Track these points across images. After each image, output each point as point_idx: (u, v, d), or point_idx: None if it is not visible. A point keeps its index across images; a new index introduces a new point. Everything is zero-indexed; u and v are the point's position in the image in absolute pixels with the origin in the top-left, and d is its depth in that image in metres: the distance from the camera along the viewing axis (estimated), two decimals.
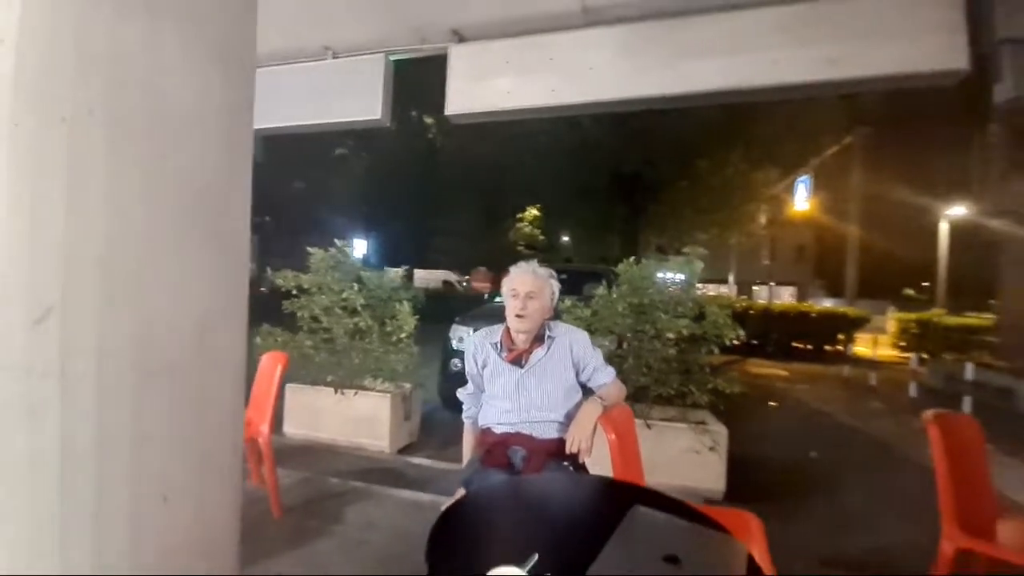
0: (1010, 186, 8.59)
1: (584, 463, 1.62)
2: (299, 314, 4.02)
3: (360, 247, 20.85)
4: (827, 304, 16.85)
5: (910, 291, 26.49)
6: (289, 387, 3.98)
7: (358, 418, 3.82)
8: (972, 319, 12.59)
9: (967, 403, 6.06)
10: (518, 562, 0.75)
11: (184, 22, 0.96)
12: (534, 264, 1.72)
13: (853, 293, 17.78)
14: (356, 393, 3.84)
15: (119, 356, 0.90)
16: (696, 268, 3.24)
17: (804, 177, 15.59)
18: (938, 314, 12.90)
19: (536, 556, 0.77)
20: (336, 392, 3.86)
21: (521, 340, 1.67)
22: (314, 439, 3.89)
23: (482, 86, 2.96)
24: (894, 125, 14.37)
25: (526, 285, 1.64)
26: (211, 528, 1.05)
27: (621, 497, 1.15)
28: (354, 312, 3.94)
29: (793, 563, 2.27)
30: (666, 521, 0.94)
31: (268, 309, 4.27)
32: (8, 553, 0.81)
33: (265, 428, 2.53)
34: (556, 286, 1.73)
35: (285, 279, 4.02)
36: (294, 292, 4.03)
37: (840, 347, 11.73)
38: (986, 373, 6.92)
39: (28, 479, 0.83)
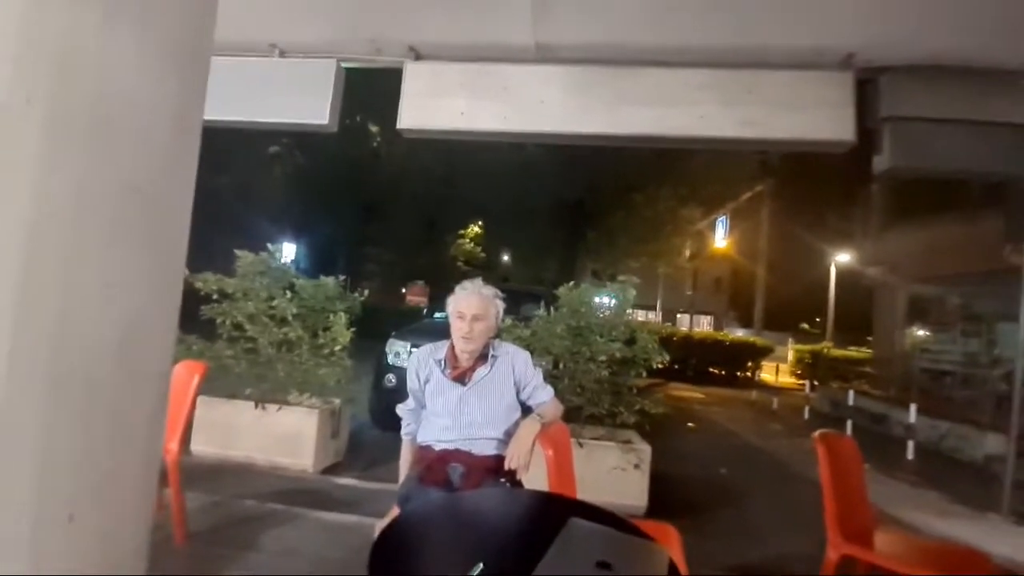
0: (884, 240, 10.09)
1: (520, 480, 1.66)
2: (219, 321, 3.72)
3: (289, 252, 19.67)
4: (739, 333, 18.50)
5: (805, 325, 29.76)
6: (200, 400, 3.64)
7: (280, 435, 3.57)
8: (854, 352, 14.41)
9: (849, 426, 6.90)
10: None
11: (141, 16, 0.92)
12: (479, 284, 1.74)
13: (760, 324, 19.67)
14: (279, 408, 3.59)
15: (31, 361, 0.81)
16: (630, 295, 3.46)
17: (723, 217, 17.19)
18: (827, 347, 14.63)
19: (481, 565, 0.80)
20: (257, 407, 3.59)
21: (465, 359, 1.69)
22: (227, 458, 3.57)
23: (436, 105, 3.01)
24: (795, 178, 16.36)
25: (472, 307, 1.66)
26: (118, 551, 0.96)
27: (558, 510, 1.21)
28: (283, 321, 3.72)
29: (703, 569, 2.45)
30: (599, 531, 1.00)
31: (184, 314, 3.91)
32: None
33: (174, 445, 2.30)
34: (501, 306, 1.77)
35: (206, 282, 3.71)
36: (215, 297, 3.73)
37: (749, 373, 12.88)
38: (864, 400, 7.94)
39: None
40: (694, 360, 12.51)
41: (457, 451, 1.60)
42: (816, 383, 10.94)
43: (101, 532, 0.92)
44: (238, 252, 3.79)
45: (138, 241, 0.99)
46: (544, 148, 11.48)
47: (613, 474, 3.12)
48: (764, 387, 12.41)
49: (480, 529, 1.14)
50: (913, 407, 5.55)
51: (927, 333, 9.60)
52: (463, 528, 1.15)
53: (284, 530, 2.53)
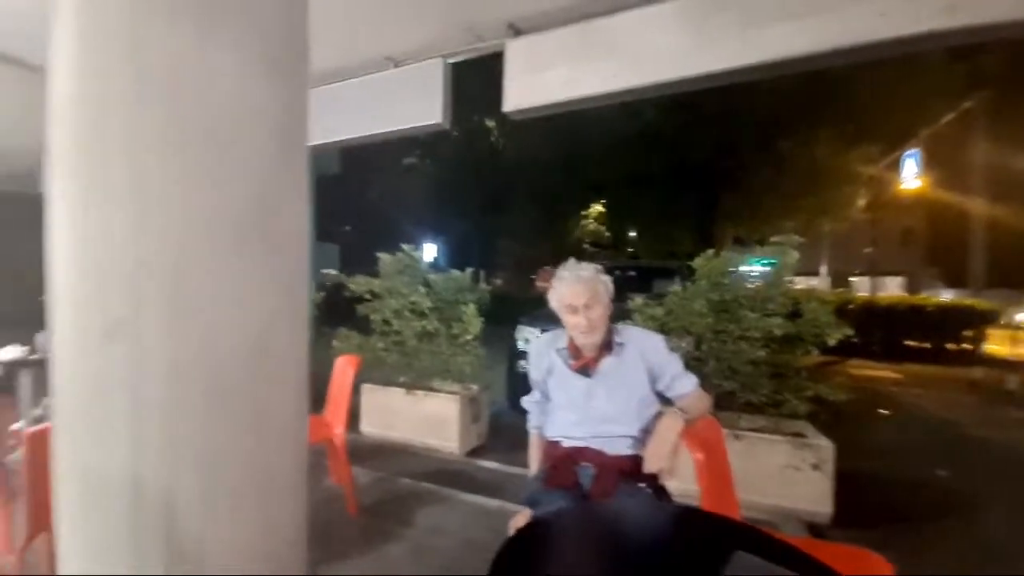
0: None
1: (664, 485, 1.45)
2: (372, 317, 4.17)
3: (430, 251, 21.66)
4: (947, 296, 14.62)
5: None
6: (365, 387, 4.14)
7: (429, 419, 3.88)
8: None
9: None
10: None
11: (234, 32, 0.96)
12: (576, 267, 1.55)
13: (980, 282, 15.30)
14: (426, 394, 3.89)
15: (188, 372, 0.90)
16: (792, 258, 2.87)
17: (913, 151, 13.66)
18: None
19: None
20: (407, 393, 3.95)
21: (588, 348, 1.53)
22: (389, 439, 4.00)
23: (539, 78, 2.85)
24: (1021, 87, 12.11)
25: (580, 296, 1.48)
26: (279, 544, 1.04)
27: (713, 534, 0.98)
28: (422, 315, 4.01)
29: None
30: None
31: (347, 314, 4.48)
32: (82, 564, 0.83)
33: (340, 429, 2.61)
34: (607, 280, 1.56)
35: (358, 284, 4.19)
36: (367, 296, 4.19)
37: (967, 345, 10.10)
38: None
39: (97, 497, 0.85)
40: (881, 332, 10.24)
41: (587, 449, 1.45)
42: None
43: (262, 526, 0.99)
44: (379, 254, 4.18)
45: (264, 249, 1.04)
46: (662, 111, 10.43)
47: (784, 474, 2.65)
48: (991, 361, 9.58)
49: (619, 549, 0.98)
50: None
51: None
52: (600, 545, 1.01)
53: (436, 509, 2.71)
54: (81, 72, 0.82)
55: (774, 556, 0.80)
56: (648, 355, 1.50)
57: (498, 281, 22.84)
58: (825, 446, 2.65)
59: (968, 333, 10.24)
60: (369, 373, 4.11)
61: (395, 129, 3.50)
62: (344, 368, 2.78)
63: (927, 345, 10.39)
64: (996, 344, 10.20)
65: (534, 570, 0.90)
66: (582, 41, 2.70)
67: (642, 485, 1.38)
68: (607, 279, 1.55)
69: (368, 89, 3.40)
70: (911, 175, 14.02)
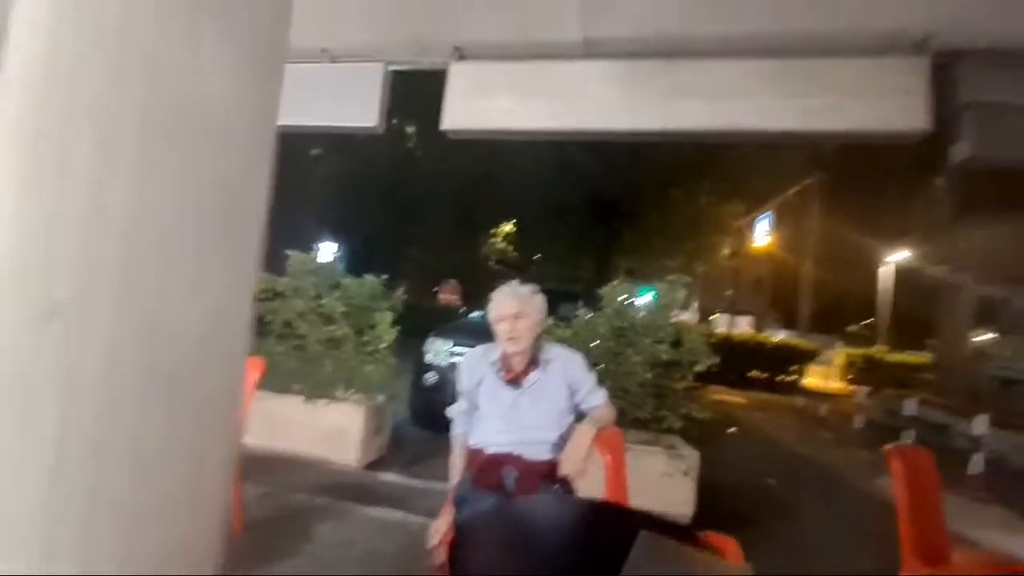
0: (952, 237, 9.38)
1: (572, 486, 1.63)
2: (268, 318, 3.87)
3: (329, 251, 20.31)
4: (782, 336, 17.69)
5: (854, 327, 28.19)
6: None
7: (326, 430, 3.68)
8: (911, 357, 13.52)
9: (907, 437, 6.47)
10: None
11: (221, 21, 0.95)
12: (515, 284, 1.73)
13: (805, 326, 18.79)
14: (327, 403, 3.70)
15: (125, 364, 0.85)
16: (679, 295, 3.35)
17: (767, 213, 16.49)
18: (881, 351, 13.79)
19: None
20: (305, 401, 3.71)
21: (517, 362, 1.68)
22: (275, 451, 3.70)
23: (481, 104, 3.01)
24: (848, 172, 15.47)
25: (512, 307, 1.64)
26: (203, 546, 0.99)
27: (621, 521, 1.17)
28: (330, 319, 3.83)
29: None
30: (676, 548, 0.96)
31: None
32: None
33: None
34: (542, 301, 1.75)
35: (259, 281, 3.87)
36: (265, 296, 3.88)
37: (793, 377, 12.30)
38: (924, 409, 7.42)
39: (13, 487, 0.76)
40: (733, 363, 12.05)
41: (510, 455, 1.58)
42: (870, 389, 10.33)
43: (187, 529, 0.95)
44: (289, 252, 3.92)
45: (222, 240, 1.02)
46: (583, 147, 11.32)
47: (660, 480, 3.04)
48: (810, 393, 11.82)
49: (539, 538, 1.12)
50: (985, 417, 5.14)
51: (995, 337, 8.89)
52: (522, 536, 1.13)
53: (336, 524, 2.60)
54: (52, 42, 0.75)
55: (669, 533, 1.00)
56: (570, 372, 1.69)
57: (401, 289, 22.14)
58: (692, 455, 3.11)
59: (794, 368, 12.52)
60: (260, 379, 3.79)
61: (324, 125, 3.39)
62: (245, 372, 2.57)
63: (766, 376, 12.45)
64: (814, 378, 12.58)
65: (464, 563, 0.99)
66: (524, 78, 2.92)
67: (556, 486, 1.54)
68: (541, 300, 1.73)
69: (302, 79, 3.25)
70: (764, 233, 16.88)
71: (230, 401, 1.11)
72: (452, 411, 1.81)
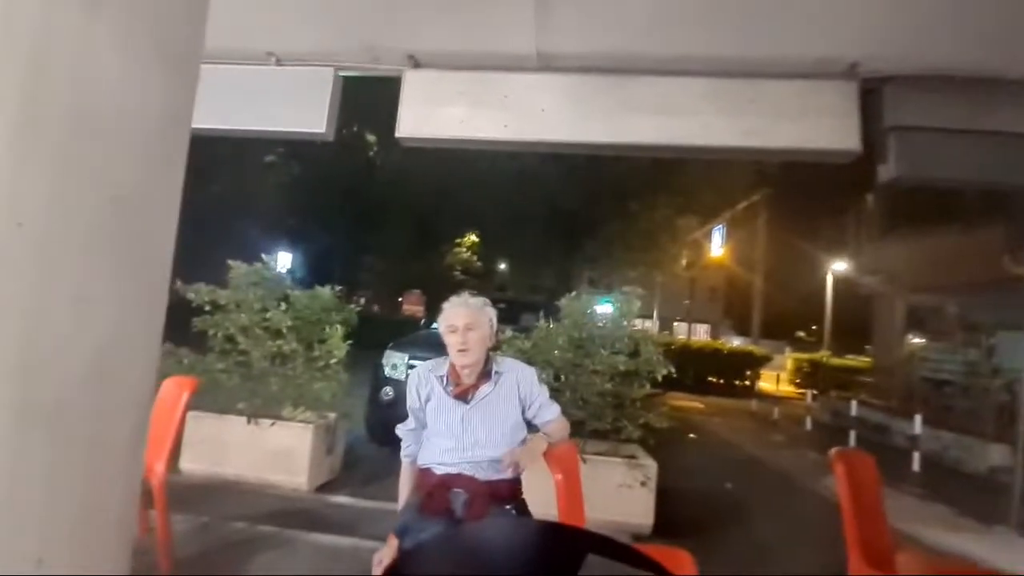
0: (881, 250, 10.09)
1: (526, 506, 1.58)
2: (211, 333, 3.62)
3: (285, 262, 19.52)
4: (736, 342, 18.43)
5: (802, 333, 29.79)
6: (191, 415, 3.52)
7: (273, 451, 3.46)
8: (852, 361, 14.38)
9: (852, 437, 6.82)
10: None
11: (123, 13, 0.85)
12: (466, 296, 1.68)
13: (757, 333, 19.65)
14: (273, 423, 3.48)
15: (8, 381, 0.73)
16: (634, 306, 3.39)
17: (719, 226, 17.24)
18: (826, 355, 14.59)
19: None
20: (249, 422, 3.47)
21: (467, 375, 1.61)
22: (217, 476, 3.44)
23: (435, 113, 2.96)
24: (792, 188, 16.45)
25: (462, 318, 1.59)
26: None
27: (571, 543, 1.12)
28: (277, 334, 3.62)
29: None
30: (617, 571, 0.92)
31: (175, 326, 3.81)
32: None
33: (160, 467, 2.19)
34: (493, 314, 1.70)
35: (198, 293, 3.61)
36: (207, 308, 3.63)
37: (748, 382, 12.80)
38: (865, 410, 7.87)
39: None
40: (692, 370, 12.43)
41: (460, 475, 1.51)
42: (816, 392, 10.87)
43: (83, 568, 0.83)
44: (231, 262, 3.69)
45: (117, 253, 0.91)
46: (541, 158, 11.47)
47: (619, 492, 3.03)
48: (764, 396, 12.32)
49: (488, 565, 1.05)
50: (918, 418, 5.48)
51: (926, 342, 9.58)
52: (469, 565, 1.06)
53: (275, 555, 2.42)
54: None
55: (615, 553, 0.96)
56: (522, 385, 1.64)
57: (362, 300, 21.58)
58: (651, 465, 3.12)
59: (749, 372, 13.04)
60: (199, 399, 3.52)
61: (269, 130, 3.23)
62: (172, 392, 2.35)
63: (722, 381, 12.90)
64: (766, 382, 13.13)
65: None
66: (478, 88, 2.90)
67: (508, 507, 1.48)
68: (493, 312, 1.67)
69: (248, 81, 3.10)
70: (718, 245, 17.63)
71: (131, 436, 0.99)
72: (400, 430, 1.72)
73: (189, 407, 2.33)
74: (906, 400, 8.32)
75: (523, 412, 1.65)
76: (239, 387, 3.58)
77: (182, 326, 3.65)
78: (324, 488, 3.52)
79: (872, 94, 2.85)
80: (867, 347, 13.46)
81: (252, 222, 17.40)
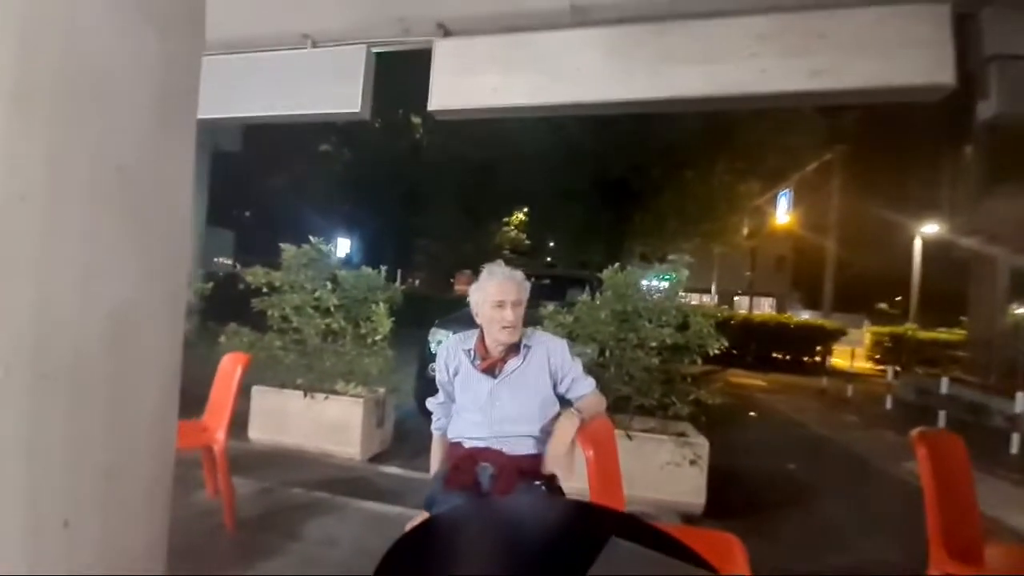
0: (983, 206, 8.85)
1: (557, 481, 1.52)
2: (269, 313, 3.84)
3: (343, 246, 20.49)
4: (805, 316, 17.15)
5: (883, 305, 27.20)
6: (256, 390, 3.79)
7: (328, 423, 3.65)
8: (943, 334, 12.95)
9: (941, 417, 6.15)
10: None
11: None
12: (505, 268, 1.60)
13: (830, 306, 18.17)
14: (327, 397, 3.67)
15: (12, 352, 0.76)
16: (682, 276, 3.17)
17: (785, 191, 15.89)
18: (911, 328, 13.24)
19: None
20: (306, 396, 3.68)
21: (498, 349, 1.56)
22: (280, 445, 3.70)
23: (467, 82, 2.87)
24: (871, 144, 14.76)
25: (512, 293, 1.52)
26: (122, 556, 0.91)
27: (597, 525, 1.05)
28: (327, 312, 3.77)
29: None
30: (643, 555, 0.83)
31: (237, 306, 4.07)
32: None
33: (221, 435, 2.36)
34: (528, 286, 1.62)
35: (255, 275, 3.83)
36: (264, 291, 3.85)
37: (818, 358, 11.91)
38: (959, 388, 7.06)
39: None
40: (754, 345, 11.72)
41: (488, 449, 1.47)
42: (899, 369, 9.90)
43: (101, 537, 0.87)
44: (283, 245, 3.87)
45: (127, 222, 0.91)
46: (585, 126, 11.00)
47: (666, 470, 2.90)
48: (836, 373, 11.41)
49: (512, 543, 1.01)
50: (1021, 395, 4.82)
51: None
52: (493, 541, 1.03)
53: (328, 519, 2.55)
54: None
55: (647, 539, 0.88)
56: (552, 358, 1.57)
57: (416, 282, 22.27)
58: (702, 444, 2.96)
59: (819, 348, 12.10)
60: (262, 374, 3.78)
61: (307, 113, 3.29)
62: (229, 367, 2.52)
63: (788, 357, 12.09)
64: (839, 358, 12.14)
65: (425, 568, 0.89)
66: (510, 52, 2.76)
67: (538, 483, 1.43)
68: (528, 285, 1.60)
69: (281, 66, 3.15)
70: (783, 211, 16.30)
71: (157, 402, 1.02)
72: (431, 403, 1.71)
73: (245, 379, 2.49)
74: (1007, 376, 7.37)
75: (555, 387, 1.58)
76: (296, 363, 3.79)
77: (244, 306, 3.92)
78: (376, 459, 3.68)
79: (967, 19, 2.40)
80: (961, 318, 12.02)
81: (312, 209, 18.36)
